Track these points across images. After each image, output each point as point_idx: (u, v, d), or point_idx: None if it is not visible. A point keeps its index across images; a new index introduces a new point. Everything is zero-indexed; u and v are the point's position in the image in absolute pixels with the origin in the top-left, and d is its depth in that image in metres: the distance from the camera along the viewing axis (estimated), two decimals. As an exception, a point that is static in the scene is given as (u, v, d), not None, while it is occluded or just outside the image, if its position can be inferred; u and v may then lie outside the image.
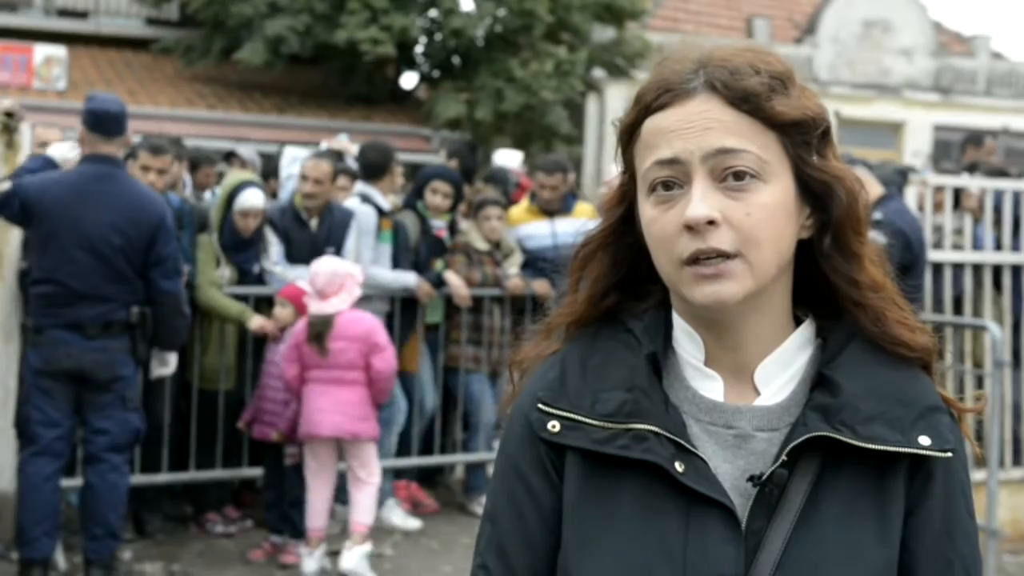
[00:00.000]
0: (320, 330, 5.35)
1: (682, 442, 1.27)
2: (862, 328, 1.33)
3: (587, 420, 1.30)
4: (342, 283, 5.43)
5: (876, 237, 5.68)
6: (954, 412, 1.33)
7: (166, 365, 5.67)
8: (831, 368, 1.31)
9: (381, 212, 6.55)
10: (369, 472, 5.54)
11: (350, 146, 7.43)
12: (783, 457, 1.26)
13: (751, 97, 1.26)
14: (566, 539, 1.31)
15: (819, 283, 1.35)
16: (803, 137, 1.29)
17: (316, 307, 5.41)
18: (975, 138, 9.39)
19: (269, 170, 7.70)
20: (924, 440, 1.27)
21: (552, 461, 1.33)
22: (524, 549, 1.33)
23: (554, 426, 1.32)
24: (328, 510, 5.62)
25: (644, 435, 1.27)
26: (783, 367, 1.33)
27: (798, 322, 1.36)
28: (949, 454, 1.28)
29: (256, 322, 5.98)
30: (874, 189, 6.02)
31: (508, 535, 1.34)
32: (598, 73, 19.57)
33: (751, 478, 1.27)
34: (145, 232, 5.12)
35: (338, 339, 5.38)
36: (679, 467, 1.26)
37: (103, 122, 5.14)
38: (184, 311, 5.39)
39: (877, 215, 5.77)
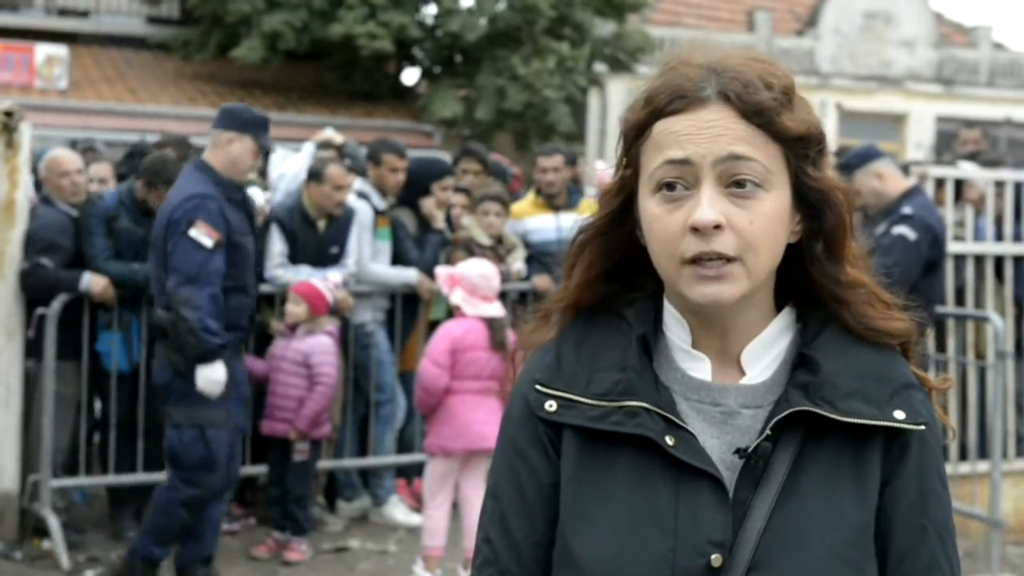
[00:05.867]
0: (503, 336, 5.18)
1: (672, 417, 1.35)
2: (843, 322, 1.40)
3: (582, 399, 1.37)
4: (496, 288, 5.32)
5: (906, 232, 5.50)
6: (926, 389, 1.42)
7: (204, 379, 4.88)
8: (811, 349, 1.38)
9: (376, 210, 6.54)
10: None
11: (337, 137, 7.41)
12: (768, 431, 1.33)
13: (763, 111, 1.33)
14: (564, 511, 1.38)
15: (799, 277, 1.42)
16: (804, 150, 1.36)
17: (487, 309, 5.21)
18: (969, 125, 9.49)
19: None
20: (899, 414, 1.35)
21: (550, 439, 1.40)
22: (525, 522, 1.40)
23: (551, 405, 1.39)
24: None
25: (636, 411, 1.34)
26: (766, 349, 1.40)
27: (779, 307, 1.44)
28: (922, 427, 1.36)
29: None
30: (900, 183, 5.78)
31: (510, 509, 1.41)
32: (599, 67, 19.55)
33: (737, 451, 1.34)
34: (159, 230, 4.97)
35: (486, 348, 5.19)
36: (669, 441, 1.33)
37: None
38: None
39: (907, 209, 5.53)
